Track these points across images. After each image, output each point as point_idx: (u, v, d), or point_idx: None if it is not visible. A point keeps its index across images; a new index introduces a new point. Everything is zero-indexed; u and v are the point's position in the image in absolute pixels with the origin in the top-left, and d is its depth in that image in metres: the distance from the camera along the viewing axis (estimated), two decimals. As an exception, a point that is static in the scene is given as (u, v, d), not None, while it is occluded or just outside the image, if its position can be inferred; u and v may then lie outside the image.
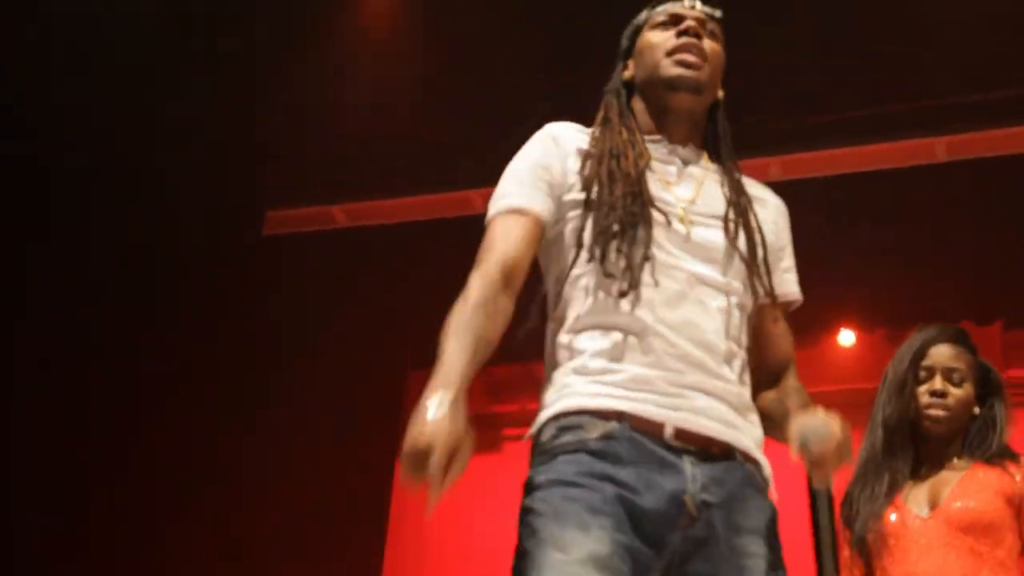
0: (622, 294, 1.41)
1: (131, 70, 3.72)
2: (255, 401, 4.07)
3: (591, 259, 1.45)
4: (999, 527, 2.20)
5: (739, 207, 1.56)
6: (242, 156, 3.85)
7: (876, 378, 2.33)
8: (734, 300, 1.50)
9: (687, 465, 1.37)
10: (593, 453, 1.36)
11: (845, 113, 3.68)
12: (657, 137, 1.56)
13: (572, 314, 1.48)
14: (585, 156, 1.53)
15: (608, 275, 1.42)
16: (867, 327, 4.00)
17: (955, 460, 2.27)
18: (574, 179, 1.52)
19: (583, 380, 1.43)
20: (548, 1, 3.70)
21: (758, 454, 1.45)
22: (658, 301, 1.42)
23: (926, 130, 3.77)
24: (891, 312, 3.87)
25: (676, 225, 1.48)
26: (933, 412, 2.24)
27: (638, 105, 1.60)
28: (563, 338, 1.48)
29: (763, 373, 1.56)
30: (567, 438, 1.39)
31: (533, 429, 1.46)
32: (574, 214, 1.50)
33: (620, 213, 1.45)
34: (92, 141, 3.98)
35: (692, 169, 1.57)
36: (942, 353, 2.29)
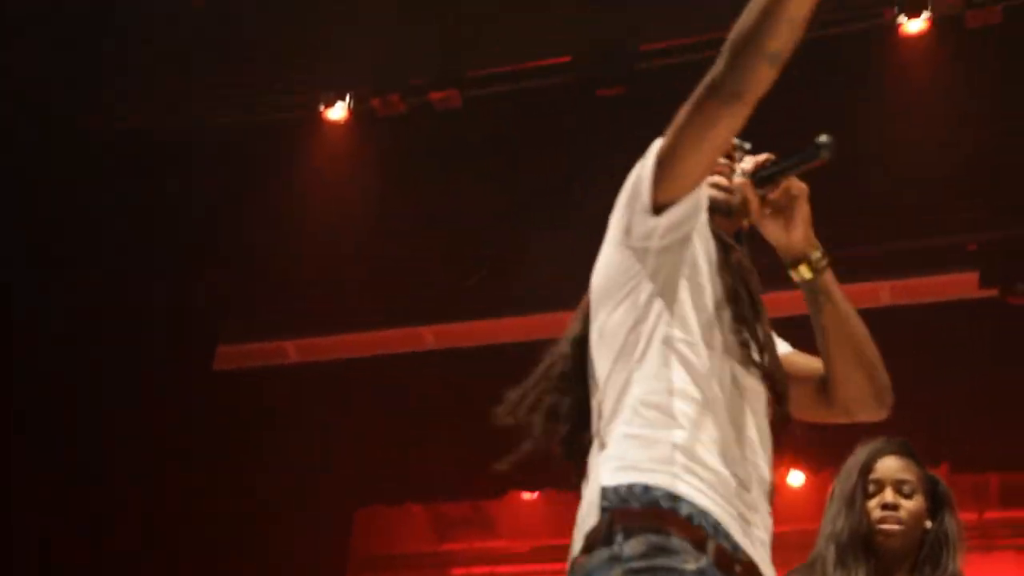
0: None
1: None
2: (202, 535, 4.07)
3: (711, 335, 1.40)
4: None
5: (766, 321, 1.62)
6: (194, 293, 3.97)
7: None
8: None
9: None
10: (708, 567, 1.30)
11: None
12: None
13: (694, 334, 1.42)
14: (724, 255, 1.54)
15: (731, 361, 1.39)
16: (814, 468, 4.08)
17: None
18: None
19: (696, 467, 1.36)
20: (496, 146, 3.89)
21: None
22: (754, 419, 1.42)
23: (871, 275, 3.92)
24: (838, 454, 3.97)
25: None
26: (886, 526, 2.22)
27: None
28: (683, 381, 1.39)
29: (829, 378, 1.55)
30: (662, 561, 1.30)
31: (601, 503, 1.35)
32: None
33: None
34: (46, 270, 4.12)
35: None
36: (890, 466, 2.29)
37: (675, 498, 1.31)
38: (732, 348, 1.41)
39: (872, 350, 1.55)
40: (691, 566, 1.29)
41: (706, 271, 1.45)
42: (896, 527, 2.20)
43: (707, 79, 1.26)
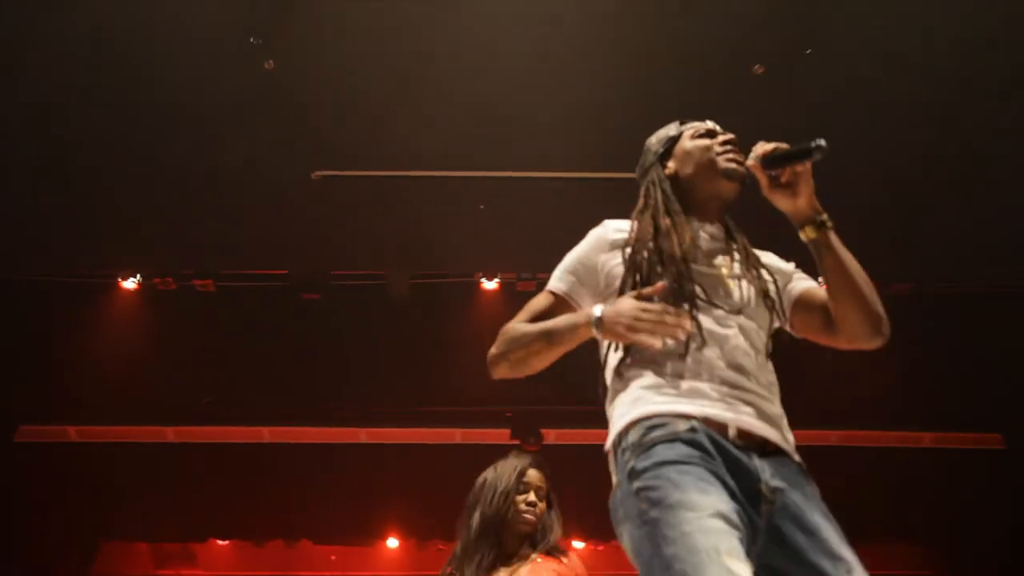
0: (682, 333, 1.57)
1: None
2: None
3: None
4: None
5: (758, 265, 1.86)
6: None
7: None
8: (762, 334, 1.76)
9: (755, 459, 1.56)
10: (686, 442, 1.52)
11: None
12: (690, 217, 1.86)
13: (634, 353, 1.70)
14: (639, 234, 1.80)
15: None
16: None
17: (526, 550, 2.75)
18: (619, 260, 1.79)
19: (652, 393, 1.63)
20: (230, 325, 5.96)
21: (797, 457, 1.64)
22: (709, 341, 1.66)
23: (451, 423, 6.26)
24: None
25: (722, 280, 1.78)
26: (527, 517, 2.75)
27: (676, 194, 1.89)
28: (628, 372, 1.69)
29: (834, 314, 1.76)
30: (658, 432, 1.55)
31: (613, 437, 1.65)
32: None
33: (677, 272, 1.71)
34: None
35: (718, 240, 1.88)
36: (535, 476, 2.82)
37: (654, 413, 1.58)
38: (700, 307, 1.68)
39: (870, 291, 1.73)
40: (683, 426, 1.55)
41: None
42: (533, 519, 2.74)
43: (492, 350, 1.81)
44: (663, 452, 1.51)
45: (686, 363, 1.64)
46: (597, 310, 1.62)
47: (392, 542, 6.31)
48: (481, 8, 4.37)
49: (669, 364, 1.65)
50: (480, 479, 2.87)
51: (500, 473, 2.86)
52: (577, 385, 5.49)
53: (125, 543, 6.13)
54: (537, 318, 1.78)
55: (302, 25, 4.48)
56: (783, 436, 1.64)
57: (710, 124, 1.98)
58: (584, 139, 4.98)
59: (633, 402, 1.64)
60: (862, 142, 4.67)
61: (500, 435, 6.18)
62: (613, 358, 1.75)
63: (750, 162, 1.78)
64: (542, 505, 2.78)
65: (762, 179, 1.78)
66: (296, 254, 5.72)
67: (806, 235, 1.76)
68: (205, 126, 4.80)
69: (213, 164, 5.00)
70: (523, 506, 2.75)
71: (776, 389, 1.72)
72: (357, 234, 5.52)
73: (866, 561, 1.48)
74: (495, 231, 5.50)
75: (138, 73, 4.50)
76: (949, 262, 5.63)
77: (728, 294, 1.76)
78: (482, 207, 5.40)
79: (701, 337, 1.65)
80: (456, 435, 6.23)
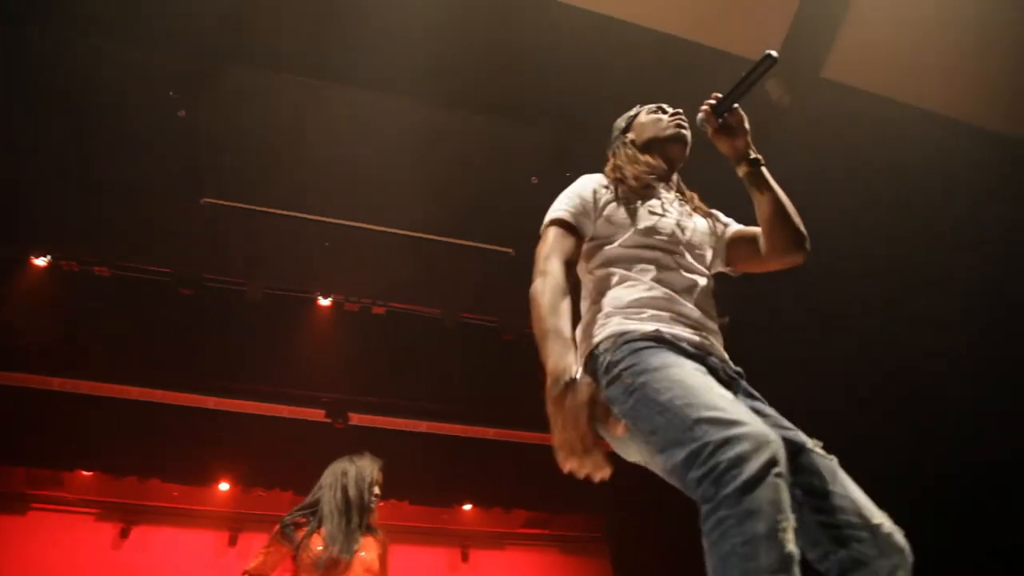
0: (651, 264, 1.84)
1: None
2: None
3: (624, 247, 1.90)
4: (379, 572, 3.39)
5: (706, 215, 2.12)
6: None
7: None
8: (706, 273, 2.01)
9: (709, 357, 1.78)
10: (653, 339, 1.71)
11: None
12: (651, 177, 2.10)
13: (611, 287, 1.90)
14: (616, 182, 2.04)
15: (635, 261, 1.86)
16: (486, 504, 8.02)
17: (364, 526, 3.47)
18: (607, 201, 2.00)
19: (619, 316, 1.82)
20: (119, 301, 7.60)
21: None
22: (667, 276, 1.89)
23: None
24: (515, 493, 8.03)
25: (680, 224, 2.01)
26: (376, 503, 3.51)
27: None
28: (603, 299, 1.89)
29: (765, 236, 2.01)
30: (626, 339, 1.73)
31: (587, 350, 1.82)
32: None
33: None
34: None
35: (675, 196, 2.13)
36: (380, 476, 3.62)
37: (623, 331, 1.78)
38: (652, 257, 1.90)
39: (795, 213, 1.93)
40: (649, 327, 1.75)
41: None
42: (376, 503, 3.56)
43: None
44: (634, 346, 1.67)
45: (651, 291, 1.85)
46: (567, 376, 1.62)
47: (223, 486, 7.55)
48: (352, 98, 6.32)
49: (638, 289, 1.86)
50: (340, 467, 3.60)
51: (361, 468, 3.57)
52: (380, 382, 7.46)
53: (2, 467, 7.33)
54: (563, 253, 1.91)
55: (213, 87, 6.35)
56: (719, 346, 1.88)
57: (665, 106, 2.28)
58: (423, 205, 6.96)
59: (604, 322, 1.81)
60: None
61: (317, 414, 7.65)
62: (595, 285, 1.96)
63: (703, 109, 2.00)
64: (378, 493, 3.64)
65: (710, 127, 2.00)
66: (180, 257, 7.45)
67: (742, 170, 1.97)
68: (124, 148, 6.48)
69: (127, 177, 6.68)
70: (374, 497, 3.59)
71: (714, 305, 1.99)
72: (229, 248, 7.31)
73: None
74: (332, 263, 7.40)
75: (80, 101, 6.11)
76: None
77: (683, 234, 1.98)
78: (327, 244, 7.35)
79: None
80: (283, 410, 7.73)
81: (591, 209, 1.99)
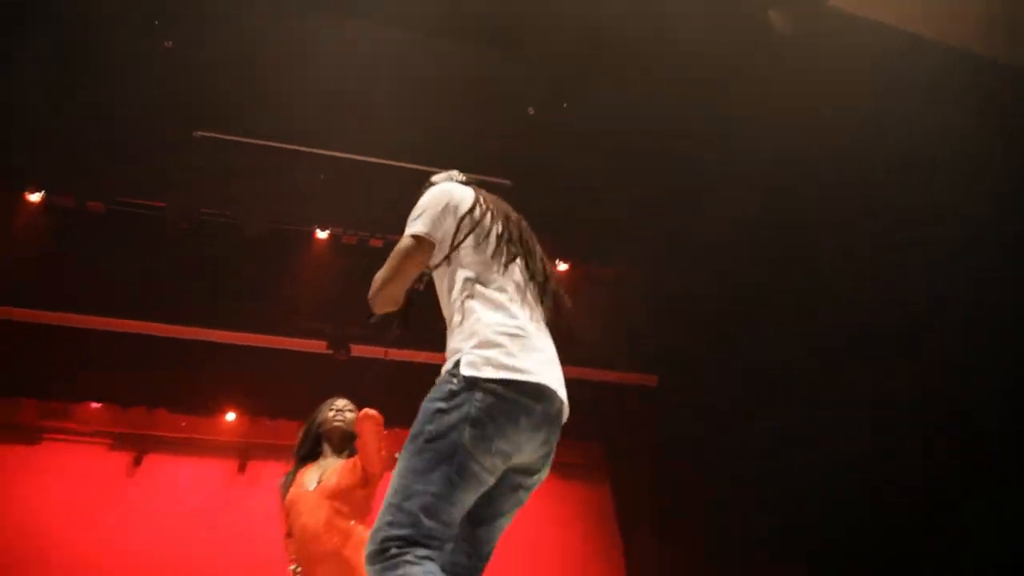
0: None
1: None
2: None
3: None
4: (351, 491, 3.41)
5: None
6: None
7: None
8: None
9: None
10: None
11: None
12: None
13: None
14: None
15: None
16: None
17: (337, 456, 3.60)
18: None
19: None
20: (107, 239, 7.62)
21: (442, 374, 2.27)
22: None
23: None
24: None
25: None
26: (326, 427, 3.71)
27: None
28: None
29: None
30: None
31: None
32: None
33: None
34: None
35: None
36: (340, 403, 3.82)
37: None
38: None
39: None
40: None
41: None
42: (333, 423, 3.70)
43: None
44: None
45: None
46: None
47: (230, 416, 7.97)
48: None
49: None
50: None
51: (320, 408, 3.79)
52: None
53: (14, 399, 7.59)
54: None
55: (200, 12, 6.24)
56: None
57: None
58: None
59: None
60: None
61: (319, 345, 7.85)
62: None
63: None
64: (351, 416, 3.66)
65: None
66: (176, 192, 7.43)
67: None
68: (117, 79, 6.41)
69: (124, 113, 6.62)
70: (331, 418, 3.70)
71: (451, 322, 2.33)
72: (226, 183, 7.28)
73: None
74: (330, 196, 7.40)
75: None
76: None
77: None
78: (323, 177, 7.31)
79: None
80: (286, 342, 7.95)
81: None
